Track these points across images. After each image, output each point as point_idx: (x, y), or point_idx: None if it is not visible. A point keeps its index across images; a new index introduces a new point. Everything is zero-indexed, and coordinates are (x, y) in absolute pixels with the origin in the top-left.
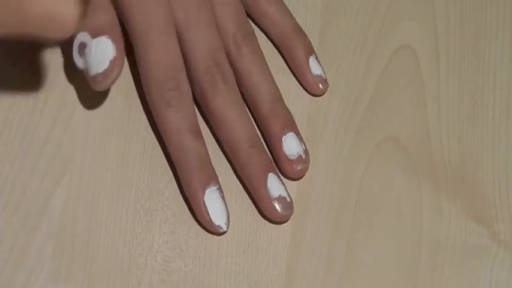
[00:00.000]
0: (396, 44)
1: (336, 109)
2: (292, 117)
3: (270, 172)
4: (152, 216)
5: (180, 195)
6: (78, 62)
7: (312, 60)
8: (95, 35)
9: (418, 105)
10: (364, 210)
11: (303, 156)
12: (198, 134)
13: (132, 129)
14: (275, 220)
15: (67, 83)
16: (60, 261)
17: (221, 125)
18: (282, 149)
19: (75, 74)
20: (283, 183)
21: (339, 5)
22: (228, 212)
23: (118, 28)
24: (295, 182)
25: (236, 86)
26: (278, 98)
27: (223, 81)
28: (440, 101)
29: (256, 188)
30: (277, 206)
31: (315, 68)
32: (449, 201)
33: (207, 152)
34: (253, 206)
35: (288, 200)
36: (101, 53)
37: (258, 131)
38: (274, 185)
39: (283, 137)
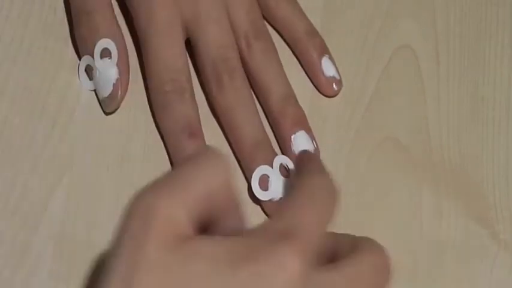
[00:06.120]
0: (396, 44)
1: (336, 109)
2: (303, 115)
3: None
4: None
5: None
6: (88, 85)
7: (324, 61)
8: (97, 57)
9: (418, 105)
10: (364, 210)
11: None
12: (195, 134)
13: (133, 129)
14: None
15: (67, 83)
16: (60, 261)
17: (226, 124)
18: (291, 148)
19: (75, 74)
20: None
21: (339, 5)
22: None
23: (120, 38)
24: None
25: (246, 82)
26: (289, 96)
27: (229, 77)
28: (440, 101)
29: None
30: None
31: (327, 69)
32: (449, 201)
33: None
34: (255, 207)
35: None
36: (105, 76)
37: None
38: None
39: (293, 136)
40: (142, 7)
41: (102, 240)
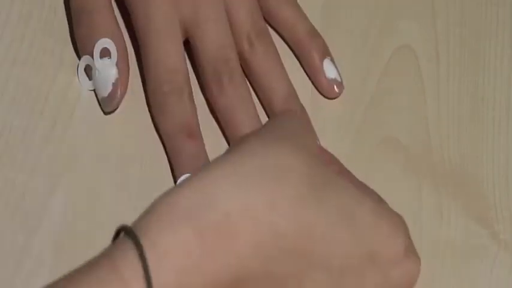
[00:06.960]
0: (396, 44)
1: (336, 109)
2: (305, 114)
3: None
4: None
5: None
6: (87, 84)
7: (326, 63)
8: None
9: (418, 105)
10: None
11: None
12: (194, 134)
13: (133, 129)
14: None
15: (67, 83)
16: (61, 261)
17: (226, 124)
18: None
19: (75, 74)
20: None
21: (339, 5)
22: None
23: (119, 38)
24: None
25: (245, 83)
26: (291, 95)
27: (228, 78)
28: (440, 101)
29: None
30: None
31: (329, 71)
32: (449, 201)
33: (202, 151)
34: None
35: None
36: (104, 76)
37: None
38: None
39: None
40: (140, 7)
41: (102, 239)
